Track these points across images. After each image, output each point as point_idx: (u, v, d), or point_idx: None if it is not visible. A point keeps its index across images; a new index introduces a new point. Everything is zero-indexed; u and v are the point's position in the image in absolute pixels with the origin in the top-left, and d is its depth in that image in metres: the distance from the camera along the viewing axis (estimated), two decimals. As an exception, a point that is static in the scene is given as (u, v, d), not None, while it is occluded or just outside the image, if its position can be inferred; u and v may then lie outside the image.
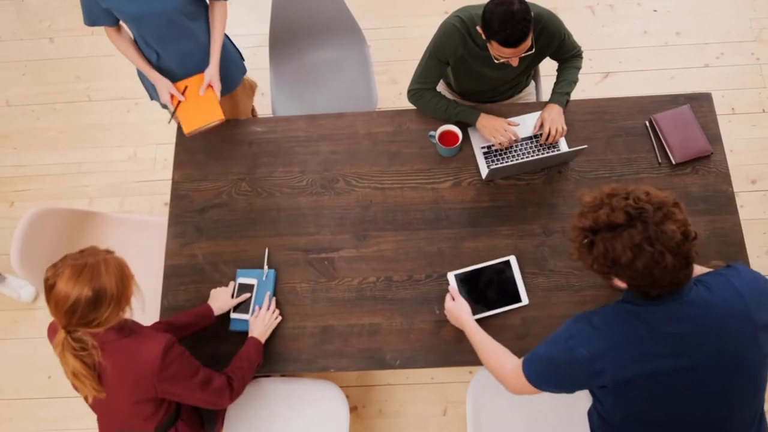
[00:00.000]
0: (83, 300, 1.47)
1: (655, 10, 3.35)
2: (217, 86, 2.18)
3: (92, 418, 2.68)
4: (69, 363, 1.55)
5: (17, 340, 2.83)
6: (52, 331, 1.69)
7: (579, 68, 2.22)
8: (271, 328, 1.96)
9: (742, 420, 1.46)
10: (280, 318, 2.00)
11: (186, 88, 2.19)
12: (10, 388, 2.76)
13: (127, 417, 1.68)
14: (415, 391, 2.66)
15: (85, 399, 1.69)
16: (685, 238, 1.35)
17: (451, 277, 2.02)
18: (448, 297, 1.95)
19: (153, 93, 2.36)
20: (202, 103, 2.17)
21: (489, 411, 2.05)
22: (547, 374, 1.53)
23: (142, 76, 2.32)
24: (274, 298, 2.03)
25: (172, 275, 2.09)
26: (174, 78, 2.24)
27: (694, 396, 1.42)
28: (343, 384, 2.66)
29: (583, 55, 2.26)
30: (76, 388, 1.67)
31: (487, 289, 2.00)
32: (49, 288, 1.50)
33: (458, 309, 1.89)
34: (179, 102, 2.17)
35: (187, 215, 2.17)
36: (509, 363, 1.65)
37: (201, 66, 2.24)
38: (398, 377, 2.68)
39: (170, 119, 2.20)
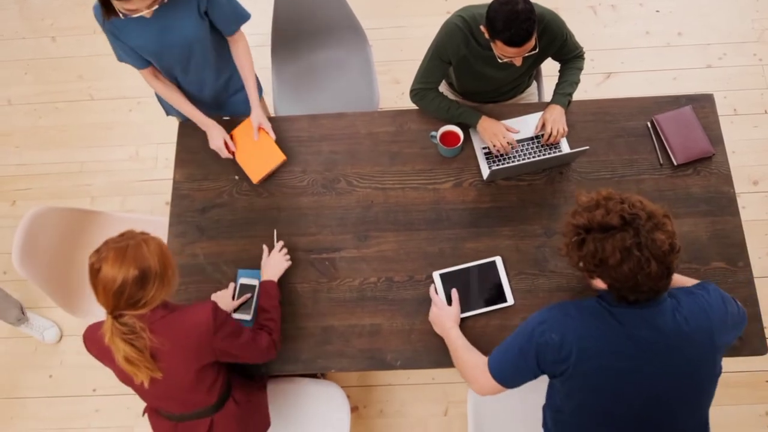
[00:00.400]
0: (130, 280, 1.51)
1: (657, 11, 3.34)
2: (268, 126, 2.17)
3: (93, 417, 2.69)
4: (120, 349, 1.57)
5: (18, 338, 2.83)
6: (90, 333, 1.67)
7: (581, 69, 2.22)
8: (282, 269, 1.99)
9: (687, 426, 1.52)
10: (290, 262, 2.04)
11: (233, 136, 2.19)
12: (11, 386, 2.76)
13: (190, 391, 1.69)
14: (416, 392, 2.66)
15: (139, 389, 1.69)
16: (671, 250, 1.42)
17: (436, 276, 2.02)
18: (436, 298, 1.94)
19: (170, 109, 2.36)
20: (260, 148, 2.17)
21: (490, 411, 2.05)
22: (510, 362, 1.57)
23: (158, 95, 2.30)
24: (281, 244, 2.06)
25: (173, 275, 2.09)
26: (191, 101, 2.23)
27: (645, 400, 1.47)
28: (344, 384, 2.66)
29: (585, 55, 2.26)
30: (126, 380, 1.68)
31: (473, 289, 2.00)
32: (95, 273, 1.53)
33: (445, 316, 1.90)
34: (233, 152, 2.17)
35: (189, 215, 2.17)
36: (480, 362, 1.68)
37: (218, 91, 2.25)
38: (399, 377, 2.68)
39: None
